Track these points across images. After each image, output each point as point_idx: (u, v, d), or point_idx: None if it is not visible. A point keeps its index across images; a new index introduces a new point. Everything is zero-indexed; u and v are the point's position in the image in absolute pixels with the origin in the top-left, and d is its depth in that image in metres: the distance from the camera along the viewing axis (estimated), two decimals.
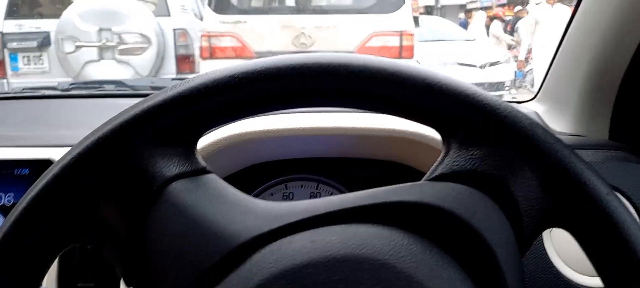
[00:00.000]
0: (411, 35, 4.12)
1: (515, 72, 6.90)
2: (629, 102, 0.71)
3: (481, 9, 22.06)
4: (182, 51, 4.40)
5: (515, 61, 7.67)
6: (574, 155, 0.35)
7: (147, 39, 4.12)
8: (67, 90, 1.29)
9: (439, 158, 0.37)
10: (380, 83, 0.35)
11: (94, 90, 1.32)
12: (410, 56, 4.13)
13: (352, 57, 0.36)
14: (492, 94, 0.37)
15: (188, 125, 0.35)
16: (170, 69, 4.36)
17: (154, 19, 4.24)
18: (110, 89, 1.32)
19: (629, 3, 0.64)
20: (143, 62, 4.12)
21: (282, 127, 0.70)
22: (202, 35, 4.19)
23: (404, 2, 4.11)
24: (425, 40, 7.21)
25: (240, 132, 0.69)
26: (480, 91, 0.36)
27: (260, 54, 4.03)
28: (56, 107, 1.07)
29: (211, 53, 4.10)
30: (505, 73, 6.79)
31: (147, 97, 0.34)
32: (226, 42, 4.09)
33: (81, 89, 1.36)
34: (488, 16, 13.19)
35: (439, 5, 29.80)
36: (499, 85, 6.63)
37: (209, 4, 4.14)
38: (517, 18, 13.04)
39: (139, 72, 4.11)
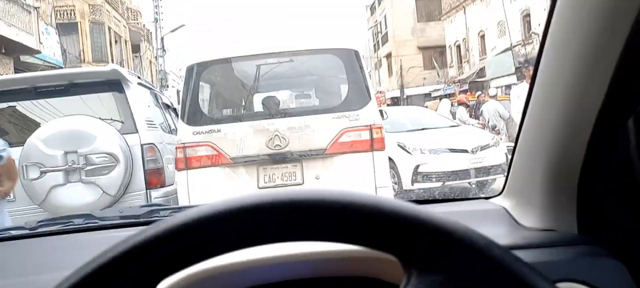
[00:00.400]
0: (380, 127, 4.25)
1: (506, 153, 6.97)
2: (591, 193, 0.71)
3: (445, 96, 23.13)
4: (151, 165, 4.38)
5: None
6: (535, 273, 0.36)
7: (114, 158, 4.08)
8: (34, 228, 1.29)
9: (402, 286, 0.38)
10: (334, 217, 0.36)
11: (63, 226, 1.31)
12: (382, 147, 4.23)
13: (304, 193, 0.37)
14: (444, 217, 0.37)
15: (143, 276, 0.36)
16: (139, 185, 4.31)
17: (121, 137, 4.24)
18: (79, 223, 1.33)
19: (577, 97, 0.64)
20: (110, 181, 4.06)
21: (247, 259, 0.71)
22: (176, 147, 4.24)
23: (370, 99, 4.30)
24: (410, 130, 7.63)
25: (209, 267, 0.69)
26: (433, 216, 0.37)
27: (236, 160, 4.12)
28: (24, 248, 1.08)
29: (187, 163, 4.14)
30: (497, 155, 6.85)
31: (99, 255, 0.35)
32: (201, 152, 4.14)
33: (49, 225, 1.35)
34: (452, 102, 13.75)
35: (404, 96, 31.13)
36: (496, 168, 6.68)
37: (182, 118, 4.24)
38: (479, 102, 13.70)
39: (107, 191, 4.04)
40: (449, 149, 6.76)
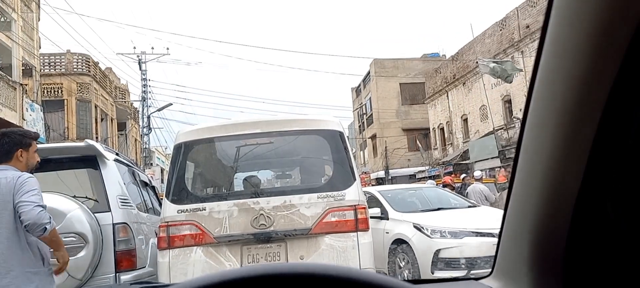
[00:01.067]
0: (364, 207, 4.27)
1: None
2: (578, 272, 0.71)
3: (429, 177, 23.37)
4: (122, 246, 4.16)
5: None
6: None
7: (82, 238, 3.89)
8: None
9: None
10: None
11: None
12: (366, 228, 4.24)
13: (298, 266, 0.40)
14: None
15: None
16: (108, 267, 4.08)
17: (92, 216, 4.05)
18: None
19: (558, 178, 0.66)
20: (78, 263, 3.83)
21: None
22: (160, 226, 4.18)
23: (354, 179, 4.34)
24: (425, 210, 7.13)
25: None
26: None
27: (220, 239, 4.09)
28: None
29: (170, 243, 4.09)
30: None
31: None
32: (185, 230, 4.10)
33: None
34: (437, 184, 13.86)
35: (389, 177, 31.30)
36: None
37: (167, 195, 4.23)
38: (465, 184, 13.84)
39: (73, 275, 3.81)
40: (473, 232, 6.01)
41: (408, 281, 1.20)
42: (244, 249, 4.15)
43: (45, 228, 2.84)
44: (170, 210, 4.15)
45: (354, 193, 4.24)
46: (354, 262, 4.12)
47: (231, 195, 4.48)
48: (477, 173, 12.72)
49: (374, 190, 8.22)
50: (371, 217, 5.12)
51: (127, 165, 5.32)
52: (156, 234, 5.57)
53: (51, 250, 3.01)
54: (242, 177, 5.01)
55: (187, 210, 4.11)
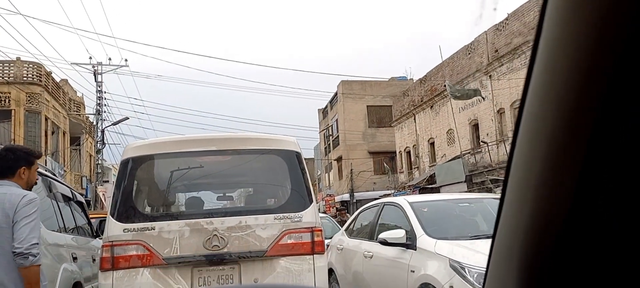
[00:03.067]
0: (321, 230, 4.33)
1: None
2: None
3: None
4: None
5: None
6: None
7: None
8: None
9: None
10: None
11: None
12: (322, 251, 4.28)
13: None
14: None
15: None
16: None
17: None
18: None
19: (548, 201, 0.67)
20: None
21: None
22: (103, 245, 4.04)
23: (312, 201, 4.38)
24: (478, 236, 4.84)
25: None
26: None
27: (169, 260, 4.00)
28: None
29: (113, 264, 3.94)
30: None
31: None
32: (131, 251, 3.98)
33: None
34: None
35: (354, 200, 31.49)
36: None
37: (112, 214, 4.10)
38: None
39: None
40: None
41: None
42: (195, 271, 4.09)
43: (30, 258, 2.87)
44: (115, 228, 4.03)
45: (310, 216, 4.29)
46: (310, 285, 4.11)
47: (182, 215, 4.42)
48: None
49: (403, 201, 5.72)
50: (389, 243, 4.72)
51: (42, 175, 4.89)
52: (93, 259, 5.33)
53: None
54: (194, 196, 4.93)
55: (134, 229, 4.01)
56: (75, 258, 4.77)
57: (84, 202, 6.03)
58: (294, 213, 4.25)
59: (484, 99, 20.21)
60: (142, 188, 4.51)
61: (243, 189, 5.43)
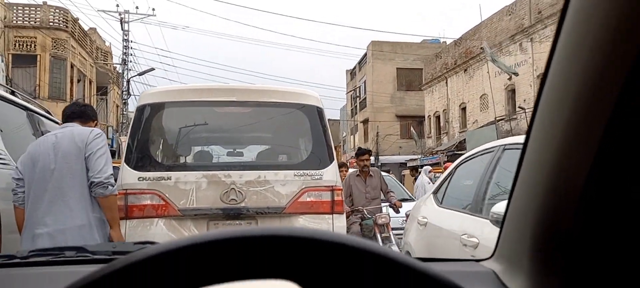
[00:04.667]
0: (341, 189, 4.27)
1: None
2: (582, 260, 0.73)
3: (424, 166, 23.40)
4: None
5: None
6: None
7: None
8: (25, 257, 1.37)
9: None
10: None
11: (54, 257, 1.41)
12: (341, 211, 4.23)
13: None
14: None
15: None
16: None
17: None
18: (70, 255, 1.43)
19: (565, 164, 0.69)
20: None
21: None
22: (118, 193, 3.88)
23: (333, 159, 4.29)
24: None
25: None
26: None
27: (185, 212, 3.98)
28: (16, 277, 1.16)
29: (127, 213, 3.90)
30: None
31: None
32: (146, 200, 3.95)
33: (41, 256, 1.43)
34: (436, 173, 13.84)
35: (379, 164, 31.42)
36: None
37: (127, 161, 4.05)
38: None
39: None
40: None
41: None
42: (211, 225, 4.09)
43: (109, 188, 3.11)
44: (130, 176, 3.97)
45: (331, 174, 4.21)
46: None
47: (200, 166, 4.39)
48: None
49: None
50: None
51: (28, 109, 4.65)
52: None
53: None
54: (212, 148, 4.88)
55: (149, 178, 3.97)
56: None
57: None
58: (314, 171, 4.17)
59: (516, 74, 19.62)
60: (158, 137, 4.46)
61: (263, 143, 5.36)
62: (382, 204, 6.71)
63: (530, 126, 0.78)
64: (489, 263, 1.04)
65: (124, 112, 27.89)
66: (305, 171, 4.17)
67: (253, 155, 5.16)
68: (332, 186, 4.18)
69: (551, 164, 0.72)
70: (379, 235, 6.15)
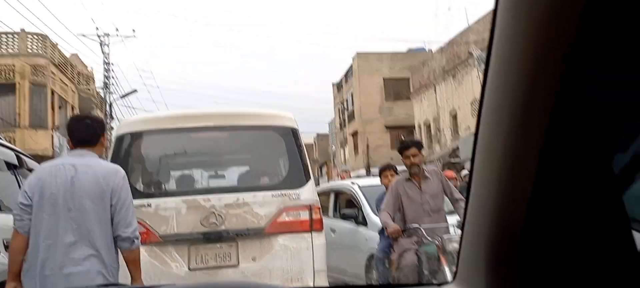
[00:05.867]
0: (319, 207, 4.48)
1: None
2: (531, 276, 0.75)
3: None
4: None
5: None
6: None
7: None
8: None
9: None
10: None
11: None
12: (320, 228, 4.43)
13: None
14: None
15: None
16: None
17: None
18: None
19: (511, 183, 0.71)
20: None
21: None
22: None
23: (309, 177, 4.52)
24: None
25: None
26: None
27: (166, 238, 4.15)
28: None
29: None
30: None
31: None
32: None
33: None
34: None
35: (371, 176, 31.47)
36: None
37: None
38: (465, 182, 13.86)
39: None
40: None
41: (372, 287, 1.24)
42: (192, 249, 4.25)
43: (135, 242, 3.02)
44: None
45: (309, 193, 4.42)
46: (308, 263, 4.27)
47: (180, 192, 4.60)
48: (464, 172, 12.69)
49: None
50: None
51: None
52: None
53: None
54: (191, 173, 5.07)
55: None
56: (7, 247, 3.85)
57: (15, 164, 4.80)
58: (291, 191, 4.38)
59: None
60: (137, 165, 4.66)
61: (240, 166, 5.57)
62: (449, 219, 4.87)
63: (474, 142, 0.79)
64: (450, 287, 1.04)
65: (107, 137, 27.84)
66: (283, 191, 4.37)
67: (231, 178, 5.36)
68: (309, 205, 4.39)
69: (496, 180, 0.74)
70: (446, 268, 4.36)
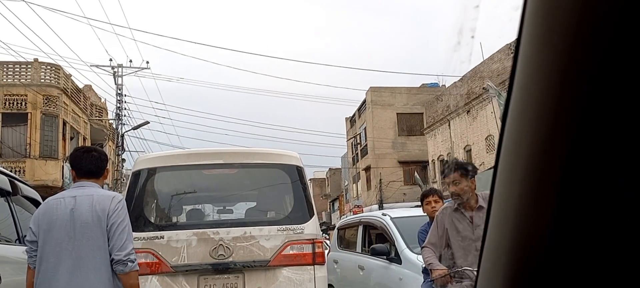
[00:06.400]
0: (321, 242, 4.89)
1: None
2: None
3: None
4: None
5: None
6: None
7: None
8: None
9: None
10: None
11: None
12: (323, 262, 4.82)
13: None
14: None
15: None
16: None
17: None
18: None
19: (530, 217, 0.71)
20: None
21: None
22: None
23: (313, 213, 4.95)
24: None
25: None
26: None
27: (177, 268, 4.55)
28: None
29: None
30: None
31: None
32: (140, 259, 4.42)
33: None
34: None
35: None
36: None
37: None
38: None
39: None
40: None
41: None
42: (201, 279, 4.63)
43: (129, 265, 3.15)
44: None
45: (312, 228, 4.82)
46: None
47: (190, 225, 5.02)
48: None
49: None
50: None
51: None
52: None
53: None
54: (201, 207, 5.48)
55: (144, 238, 4.57)
56: None
57: (38, 197, 4.97)
58: (296, 225, 4.78)
59: None
60: (152, 199, 5.11)
61: (248, 201, 6.00)
62: None
63: (494, 171, 0.79)
64: None
65: (118, 168, 28.28)
66: (287, 226, 4.78)
67: (239, 213, 5.79)
68: (313, 239, 4.80)
69: (516, 207, 0.73)
70: None
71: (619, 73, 0.57)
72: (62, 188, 22.17)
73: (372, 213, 8.14)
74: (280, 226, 4.79)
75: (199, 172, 5.12)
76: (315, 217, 4.95)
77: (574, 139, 0.62)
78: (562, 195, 0.65)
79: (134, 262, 3.19)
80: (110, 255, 3.13)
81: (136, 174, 4.88)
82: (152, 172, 4.95)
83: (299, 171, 5.05)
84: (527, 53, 0.68)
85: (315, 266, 4.73)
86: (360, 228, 7.31)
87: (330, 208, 53.02)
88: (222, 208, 6.12)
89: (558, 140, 0.64)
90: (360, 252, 7.06)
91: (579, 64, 0.60)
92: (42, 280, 3.11)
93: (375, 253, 6.18)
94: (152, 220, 4.96)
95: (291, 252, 4.73)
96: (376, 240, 6.78)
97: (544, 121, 0.66)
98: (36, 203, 4.72)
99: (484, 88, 22.64)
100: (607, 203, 0.63)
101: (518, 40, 0.70)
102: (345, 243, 8.19)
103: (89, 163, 3.31)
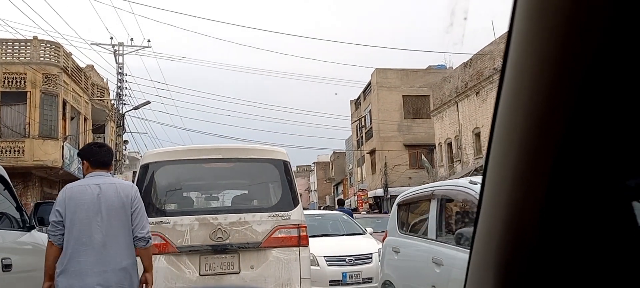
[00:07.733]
0: (305, 226, 6.02)
1: None
2: None
3: None
4: None
5: None
6: None
7: None
8: None
9: None
10: None
11: None
12: (306, 244, 5.97)
13: None
14: None
15: None
16: None
17: None
18: None
19: (519, 208, 0.74)
20: None
21: None
22: None
23: (298, 202, 6.09)
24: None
25: None
26: None
27: (181, 249, 5.68)
28: None
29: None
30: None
31: None
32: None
33: None
34: None
35: (388, 196, 32.33)
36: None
37: None
38: None
39: None
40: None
41: None
42: (202, 258, 5.74)
43: (149, 241, 4.09)
44: None
45: (297, 214, 5.95)
46: (296, 272, 5.74)
47: (193, 211, 6.19)
48: None
49: None
50: None
51: None
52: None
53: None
54: (202, 196, 6.61)
55: (152, 222, 5.60)
56: (7, 266, 4.43)
57: (8, 180, 4.99)
58: (284, 212, 5.90)
59: None
60: (158, 188, 6.24)
61: (242, 190, 7.18)
62: None
63: (484, 169, 0.82)
64: None
65: (118, 149, 28.53)
66: (276, 213, 5.91)
67: (235, 201, 6.95)
68: (298, 224, 5.92)
69: (505, 205, 0.76)
70: None
71: (606, 73, 0.61)
72: (61, 169, 23.16)
73: (452, 182, 6.06)
74: (270, 213, 5.91)
75: (200, 166, 6.28)
76: (300, 205, 6.08)
77: (562, 139, 0.65)
78: (551, 194, 0.68)
79: (151, 239, 4.15)
80: (134, 233, 4.01)
81: (144, 167, 5.99)
82: (158, 165, 6.07)
83: (285, 165, 6.18)
84: (515, 58, 0.71)
85: (300, 247, 5.84)
86: (434, 204, 5.45)
87: (334, 192, 53.97)
88: (220, 197, 7.33)
89: (546, 140, 0.67)
90: (434, 238, 5.36)
91: (566, 64, 0.64)
92: (73, 252, 3.83)
93: (461, 241, 4.60)
94: (160, 207, 6.07)
95: (280, 235, 5.83)
96: (457, 223, 5.28)
97: (532, 122, 0.69)
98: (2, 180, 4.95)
99: (494, 68, 23.00)
100: (595, 201, 0.67)
101: (508, 41, 0.73)
102: (410, 225, 6.40)
103: (104, 156, 4.17)
